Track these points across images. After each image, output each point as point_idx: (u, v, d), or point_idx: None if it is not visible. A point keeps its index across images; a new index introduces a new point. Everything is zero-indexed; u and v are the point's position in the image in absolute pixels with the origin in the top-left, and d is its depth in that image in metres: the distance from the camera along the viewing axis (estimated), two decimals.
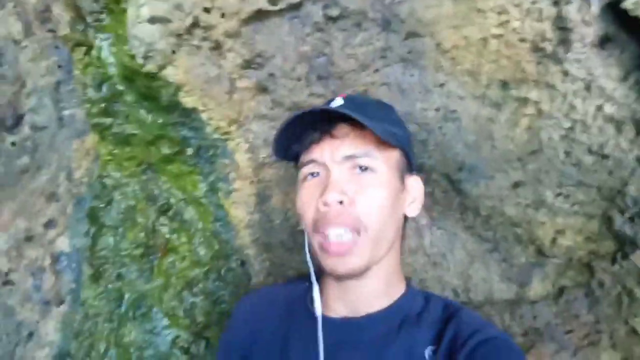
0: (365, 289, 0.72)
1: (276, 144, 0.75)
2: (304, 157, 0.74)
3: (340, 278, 0.71)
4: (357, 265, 0.69)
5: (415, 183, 0.77)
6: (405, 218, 0.77)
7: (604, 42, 0.72)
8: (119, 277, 1.13)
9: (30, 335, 1.08)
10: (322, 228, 0.69)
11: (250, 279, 1.13)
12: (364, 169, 0.70)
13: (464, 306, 0.74)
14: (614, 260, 0.80)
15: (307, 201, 0.72)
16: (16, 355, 1.07)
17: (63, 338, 1.08)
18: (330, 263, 0.69)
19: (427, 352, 0.66)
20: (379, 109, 0.79)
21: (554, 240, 0.84)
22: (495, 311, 0.92)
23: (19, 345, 1.08)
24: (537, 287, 0.88)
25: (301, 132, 0.73)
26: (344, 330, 0.71)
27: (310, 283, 0.77)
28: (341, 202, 0.68)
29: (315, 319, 0.72)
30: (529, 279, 0.90)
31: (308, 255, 0.76)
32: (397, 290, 0.74)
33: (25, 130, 1.12)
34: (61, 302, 1.10)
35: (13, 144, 1.12)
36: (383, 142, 0.70)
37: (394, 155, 0.73)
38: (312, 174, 0.73)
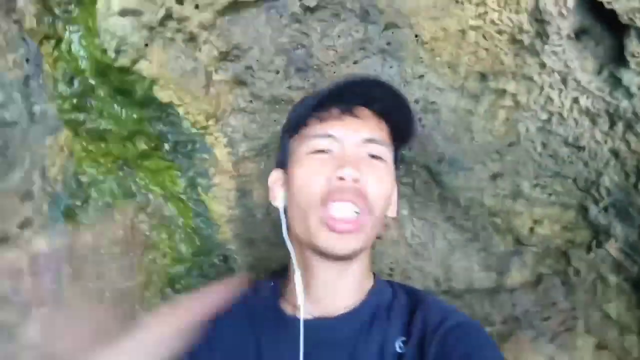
0: (345, 280, 0.70)
1: (299, 114, 0.73)
2: (317, 130, 0.71)
3: (329, 259, 0.69)
4: (355, 246, 0.68)
5: (396, 184, 0.77)
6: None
7: (579, 34, 0.72)
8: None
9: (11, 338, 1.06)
10: (333, 199, 0.66)
11: (233, 274, 1.13)
12: (376, 156, 0.70)
13: (427, 293, 0.75)
14: (589, 249, 0.82)
15: (315, 175, 0.69)
16: None
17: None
18: (328, 240, 0.67)
19: (398, 343, 0.66)
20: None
21: (531, 230, 0.86)
22: (476, 299, 0.94)
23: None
24: (516, 275, 0.90)
25: (315, 104, 0.70)
26: (318, 331, 0.69)
27: (276, 282, 0.75)
28: (356, 180, 0.67)
29: (285, 319, 0.70)
30: (508, 267, 0.91)
31: (288, 242, 0.73)
32: (368, 283, 0.74)
33: None
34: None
35: None
36: (390, 136, 0.72)
37: (392, 150, 0.74)
38: (322, 150, 0.70)
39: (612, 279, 0.79)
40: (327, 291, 0.71)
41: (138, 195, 1.12)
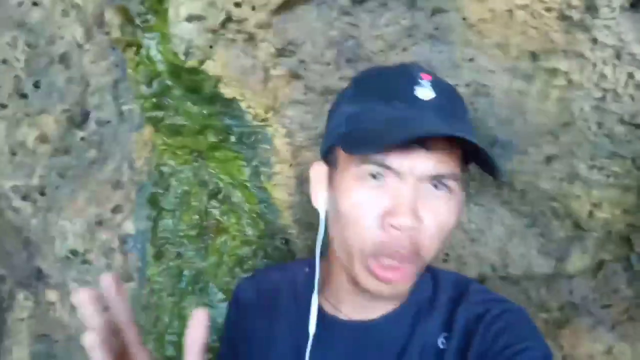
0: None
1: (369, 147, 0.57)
2: (376, 156, 0.58)
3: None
4: (403, 290, 0.63)
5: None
6: None
7: (634, 4, 0.68)
8: (178, 255, 1.24)
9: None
10: (384, 253, 0.58)
11: (294, 256, 1.20)
12: (443, 188, 0.59)
13: (472, 280, 0.70)
14: None
15: (367, 208, 0.58)
16: None
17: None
18: (373, 285, 0.60)
19: (440, 340, 0.62)
20: (462, 104, 0.66)
21: (590, 214, 0.82)
22: (533, 286, 0.91)
23: None
24: (576, 262, 0.86)
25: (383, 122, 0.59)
26: (360, 333, 0.65)
27: (311, 271, 0.68)
28: (412, 229, 0.57)
29: (326, 318, 0.66)
30: (568, 253, 0.88)
31: (318, 252, 0.67)
32: None
33: (92, 125, 1.25)
34: (130, 279, 1.23)
35: (82, 139, 1.25)
36: (463, 161, 0.60)
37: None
38: (375, 176, 0.59)
39: None
40: (368, 302, 0.65)
41: (210, 184, 1.23)
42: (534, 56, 0.81)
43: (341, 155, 0.62)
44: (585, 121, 0.76)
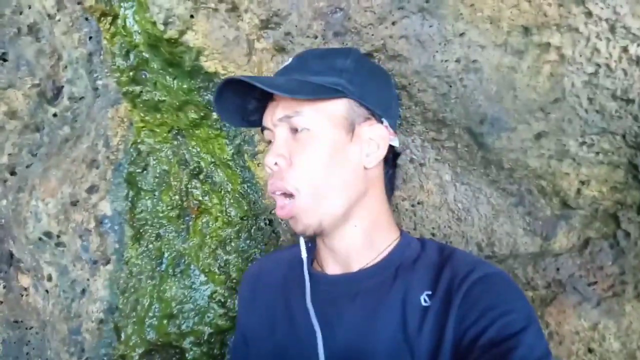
0: (344, 243, 0.74)
1: (223, 118, 0.82)
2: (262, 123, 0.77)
3: (310, 237, 0.74)
4: (306, 225, 0.70)
5: (372, 131, 0.73)
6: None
7: None
8: (158, 237, 1.21)
9: (83, 291, 1.18)
10: (270, 192, 0.72)
11: (279, 237, 1.17)
12: (299, 129, 0.70)
13: (457, 248, 0.75)
14: None
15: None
16: (72, 309, 1.18)
17: (111, 294, 1.17)
18: (290, 225, 0.73)
19: (423, 296, 0.66)
20: (326, 59, 0.76)
21: (578, 191, 0.82)
22: (519, 264, 0.91)
23: (75, 300, 1.18)
24: (562, 240, 0.86)
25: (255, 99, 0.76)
26: (339, 285, 0.73)
27: (311, 244, 0.80)
28: (276, 164, 0.70)
29: (313, 276, 0.75)
30: (554, 232, 0.88)
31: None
32: (387, 240, 0.75)
33: (65, 101, 1.19)
34: (107, 262, 1.19)
35: (55, 115, 1.19)
36: (319, 97, 0.69)
37: (338, 107, 0.71)
38: (270, 141, 0.75)
39: None
40: (336, 253, 0.75)
41: (191, 163, 1.19)
42: (526, 30, 0.79)
43: None
44: (576, 97, 0.75)
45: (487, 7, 0.82)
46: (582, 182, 0.81)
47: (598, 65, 0.72)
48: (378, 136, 0.73)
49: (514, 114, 0.86)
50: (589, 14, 0.70)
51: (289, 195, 0.70)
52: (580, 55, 0.73)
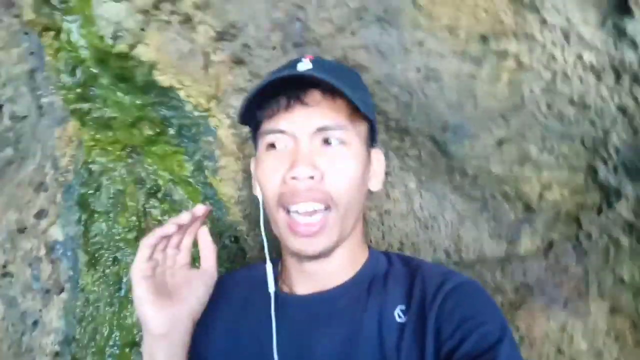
0: (331, 265, 0.69)
1: (243, 111, 0.67)
2: (269, 125, 0.67)
3: (307, 259, 0.68)
4: (326, 246, 0.66)
5: (378, 156, 0.73)
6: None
7: None
8: (115, 261, 1.14)
9: (35, 323, 1.10)
10: (289, 203, 0.64)
11: (245, 254, 1.14)
12: (335, 142, 0.65)
13: (421, 259, 0.74)
14: (599, 211, 0.79)
15: (271, 173, 0.66)
16: (23, 343, 1.10)
17: (67, 324, 1.09)
18: (297, 244, 0.66)
19: (397, 312, 0.64)
20: (348, 74, 0.74)
21: (541, 195, 0.84)
22: (487, 269, 0.92)
23: (25, 334, 1.10)
24: (527, 243, 0.88)
25: (265, 96, 0.66)
26: (314, 305, 0.69)
27: (275, 262, 0.74)
28: (312, 177, 0.63)
29: (279, 298, 0.70)
30: (519, 235, 0.89)
31: (263, 231, 0.73)
32: (361, 258, 0.72)
33: (6, 121, 1.11)
34: (61, 290, 1.11)
35: None
36: (354, 113, 0.65)
37: (363, 126, 0.69)
38: (274, 145, 0.67)
39: (625, 240, 0.77)
40: (318, 270, 0.70)
41: (147, 181, 1.13)
42: (483, 39, 0.80)
43: (257, 140, 0.71)
44: (536, 103, 0.77)
45: (444, 16, 0.83)
46: (544, 186, 0.83)
47: (555, 72, 0.74)
48: (382, 160, 0.74)
49: (475, 121, 0.87)
50: (543, 21, 0.71)
51: (326, 207, 0.64)
52: (537, 62, 0.74)
